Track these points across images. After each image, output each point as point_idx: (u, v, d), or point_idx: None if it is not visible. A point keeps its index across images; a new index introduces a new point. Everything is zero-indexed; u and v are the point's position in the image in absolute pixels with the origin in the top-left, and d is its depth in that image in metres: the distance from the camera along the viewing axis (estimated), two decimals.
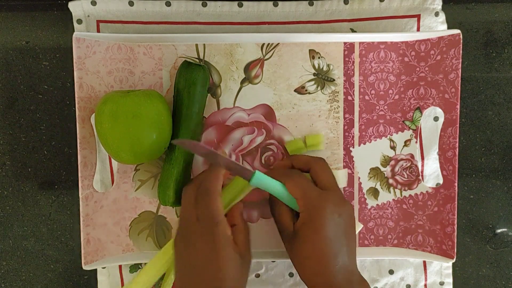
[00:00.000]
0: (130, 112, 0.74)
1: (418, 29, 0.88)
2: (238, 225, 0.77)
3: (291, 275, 0.91)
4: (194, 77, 0.80)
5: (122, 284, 0.90)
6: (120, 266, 0.90)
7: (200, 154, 0.77)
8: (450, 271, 0.92)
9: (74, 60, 0.79)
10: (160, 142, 0.77)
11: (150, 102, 0.76)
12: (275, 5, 0.87)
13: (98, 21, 0.86)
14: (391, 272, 0.91)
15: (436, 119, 0.88)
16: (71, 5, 0.84)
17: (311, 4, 0.87)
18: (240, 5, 0.87)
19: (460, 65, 0.82)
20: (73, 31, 0.85)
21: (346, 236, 0.75)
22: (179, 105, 0.81)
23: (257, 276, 0.91)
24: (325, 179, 0.78)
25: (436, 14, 0.87)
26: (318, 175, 0.79)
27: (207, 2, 0.86)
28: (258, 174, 0.76)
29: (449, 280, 0.92)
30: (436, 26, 0.88)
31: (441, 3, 0.87)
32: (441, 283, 0.92)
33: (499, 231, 0.94)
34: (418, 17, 0.87)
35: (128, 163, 0.83)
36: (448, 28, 0.88)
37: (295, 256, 0.77)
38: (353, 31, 0.88)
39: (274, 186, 0.77)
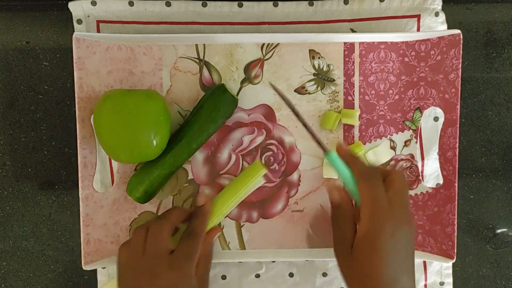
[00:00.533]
0: (130, 110, 0.75)
1: (418, 29, 0.88)
2: (202, 255, 0.79)
3: (291, 275, 0.91)
4: (223, 105, 0.82)
5: None
6: None
7: (288, 104, 0.79)
8: (450, 271, 0.92)
9: (74, 60, 0.79)
10: (157, 142, 0.77)
11: (151, 101, 0.77)
12: (275, 5, 0.87)
13: (98, 21, 0.86)
14: None
15: (436, 119, 0.88)
16: (71, 5, 0.84)
17: (311, 4, 0.87)
18: (240, 5, 0.87)
19: (460, 65, 0.82)
20: (73, 31, 0.85)
21: (408, 258, 0.72)
22: (194, 120, 0.82)
23: (257, 276, 0.91)
24: (397, 190, 0.73)
25: (436, 14, 0.87)
26: (395, 184, 0.73)
27: (207, 2, 0.86)
28: (333, 156, 0.76)
29: (449, 280, 0.92)
30: (436, 26, 0.88)
31: (441, 3, 0.87)
32: (441, 283, 0.92)
33: (499, 231, 0.94)
34: (418, 17, 0.87)
35: (124, 162, 0.83)
36: (448, 28, 0.88)
37: (352, 270, 0.73)
38: (353, 31, 0.88)
39: (344, 174, 0.75)
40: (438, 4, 0.87)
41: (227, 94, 0.81)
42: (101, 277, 0.90)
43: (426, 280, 0.92)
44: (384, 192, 0.72)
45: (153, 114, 0.76)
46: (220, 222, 0.87)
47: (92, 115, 0.81)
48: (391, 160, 0.88)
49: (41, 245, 0.91)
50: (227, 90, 0.82)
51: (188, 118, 0.83)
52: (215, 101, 0.81)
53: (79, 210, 0.81)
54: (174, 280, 0.72)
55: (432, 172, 0.89)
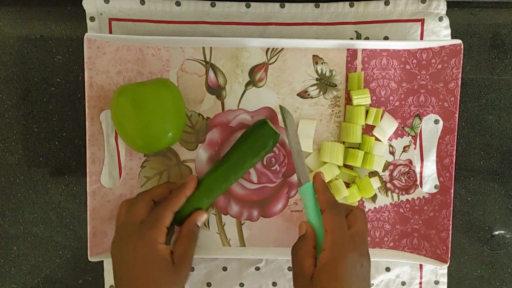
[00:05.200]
0: (149, 96, 0.78)
1: (421, 33, 0.88)
2: (183, 234, 0.82)
3: (290, 269, 0.93)
4: (265, 143, 0.83)
5: None
6: None
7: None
8: (445, 271, 0.94)
9: (85, 60, 0.81)
10: (175, 128, 0.81)
11: (167, 88, 0.80)
12: (282, 6, 0.88)
13: (110, 19, 0.87)
14: (387, 269, 0.93)
15: (436, 121, 0.88)
16: (84, 3, 0.86)
17: (317, 6, 0.88)
18: (248, 6, 0.88)
19: (460, 74, 0.83)
20: (86, 27, 0.87)
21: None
22: (234, 148, 0.85)
23: (257, 269, 0.93)
24: (360, 226, 0.76)
25: (440, 19, 0.88)
26: (357, 220, 0.77)
27: (216, 2, 0.87)
28: (308, 188, 0.79)
29: (444, 279, 0.94)
30: (440, 31, 0.89)
31: (445, 8, 0.88)
32: (436, 282, 0.94)
33: (496, 233, 0.95)
34: (422, 21, 0.88)
35: (141, 151, 0.86)
36: (452, 33, 0.89)
37: None
38: (357, 33, 0.89)
39: (313, 208, 0.79)
40: (442, 9, 0.88)
41: (272, 132, 0.83)
42: (106, 265, 0.93)
43: (421, 278, 0.93)
44: (346, 224, 0.75)
45: (170, 99, 0.80)
46: (210, 207, 0.90)
47: (102, 113, 0.84)
48: (389, 164, 0.90)
49: (50, 232, 0.94)
50: (272, 127, 0.83)
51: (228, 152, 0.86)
52: (260, 136, 0.83)
53: (87, 200, 0.84)
54: (137, 246, 0.77)
55: (431, 173, 0.90)
